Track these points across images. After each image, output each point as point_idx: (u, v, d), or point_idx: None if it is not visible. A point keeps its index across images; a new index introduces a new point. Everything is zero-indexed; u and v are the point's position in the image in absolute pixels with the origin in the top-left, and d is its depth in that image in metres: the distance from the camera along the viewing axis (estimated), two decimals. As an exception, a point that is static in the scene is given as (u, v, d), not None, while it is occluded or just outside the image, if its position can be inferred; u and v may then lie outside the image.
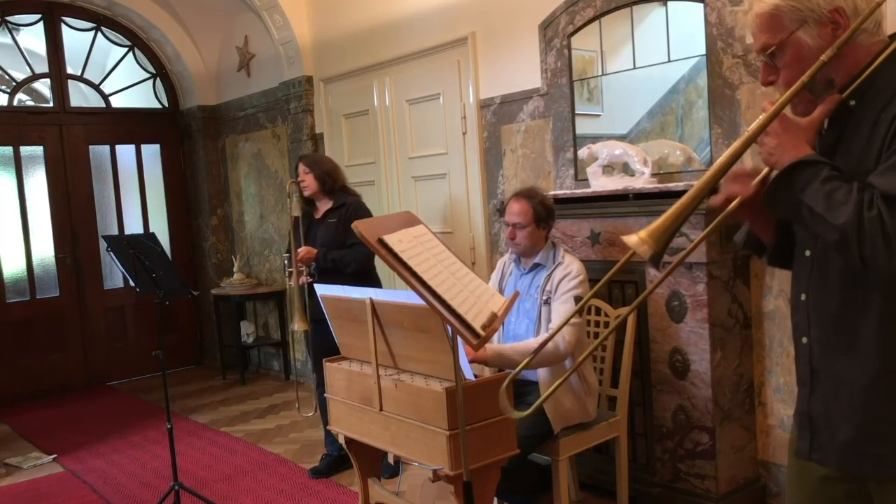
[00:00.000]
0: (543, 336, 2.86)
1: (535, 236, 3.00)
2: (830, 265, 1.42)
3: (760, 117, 1.38)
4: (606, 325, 3.22)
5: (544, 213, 2.99)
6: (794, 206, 1.34)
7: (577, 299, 2.86)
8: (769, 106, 1.38)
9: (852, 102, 1.40)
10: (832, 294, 1.43)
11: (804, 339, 1.50)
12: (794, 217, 1.37)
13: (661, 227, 1.34)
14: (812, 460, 1.51)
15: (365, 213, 3.84)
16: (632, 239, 1.34)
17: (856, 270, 1.34)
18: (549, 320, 2.90)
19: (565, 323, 1.63)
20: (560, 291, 2.90)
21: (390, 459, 2.66)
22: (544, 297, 2.93)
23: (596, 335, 3.24)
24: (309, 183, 3.84)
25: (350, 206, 3.82)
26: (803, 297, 1.49)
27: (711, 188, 1.38)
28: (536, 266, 3.03)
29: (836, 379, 1.43)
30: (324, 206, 3.90)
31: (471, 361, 2.62)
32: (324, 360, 2.83)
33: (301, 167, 3.89)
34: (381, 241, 1.97)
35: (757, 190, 1.43)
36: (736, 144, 1.37)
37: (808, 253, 1.48)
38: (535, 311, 2.96)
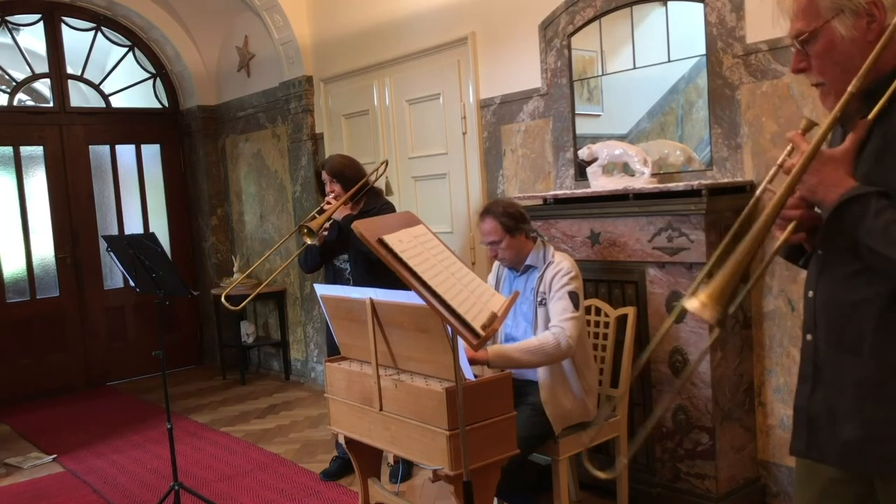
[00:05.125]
0: (542, 333, 2.86)
1: (515, 245, 3.00)
2: (838, 265, 1.42)
3: (795, 159, 1.35)
4: (607, 324, 3.22)
5: (512, 221, 2.97)
6: (851, 245, 1.33)
7: (571, 294, 2.87)
8: (797, 138, 1.36)
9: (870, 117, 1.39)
10: (839, 293, 1.43)
11: (808, 336, 1.50)
12: (855, 254, 1.35)
13: (721, 288, 1.30)
14: (809, 458, 1.50)
15: None
16: (693, 304, 1.30)
17: (862, 270, 1.34)
18: (546, 321, 2.91)
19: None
20: (554, 289, 2.90)
21: (390, 460, 2.66)
22: (539, 299, 2.94)
23: (596, 335, 3.24)
24: (338, 192, 3.67)
25: (381, 211, 3.62)
26: (811, 294, 1.50)
27: (762, 239, 1.35)
28: (529, 268, 3.04)
29: (842, 376, 1.43)
30: (352, 209, 3.72)
31: (471, 363, 2.62)
32: (324, 360, 2.83)
33: (325, 176, 3.71)
34: (381, 241, 1.97)
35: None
36: (780, 192, 1.35)
37: (819, 252, 1.49)
38: (532, 313, 2.97)
